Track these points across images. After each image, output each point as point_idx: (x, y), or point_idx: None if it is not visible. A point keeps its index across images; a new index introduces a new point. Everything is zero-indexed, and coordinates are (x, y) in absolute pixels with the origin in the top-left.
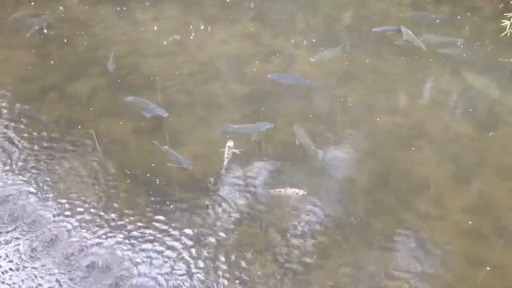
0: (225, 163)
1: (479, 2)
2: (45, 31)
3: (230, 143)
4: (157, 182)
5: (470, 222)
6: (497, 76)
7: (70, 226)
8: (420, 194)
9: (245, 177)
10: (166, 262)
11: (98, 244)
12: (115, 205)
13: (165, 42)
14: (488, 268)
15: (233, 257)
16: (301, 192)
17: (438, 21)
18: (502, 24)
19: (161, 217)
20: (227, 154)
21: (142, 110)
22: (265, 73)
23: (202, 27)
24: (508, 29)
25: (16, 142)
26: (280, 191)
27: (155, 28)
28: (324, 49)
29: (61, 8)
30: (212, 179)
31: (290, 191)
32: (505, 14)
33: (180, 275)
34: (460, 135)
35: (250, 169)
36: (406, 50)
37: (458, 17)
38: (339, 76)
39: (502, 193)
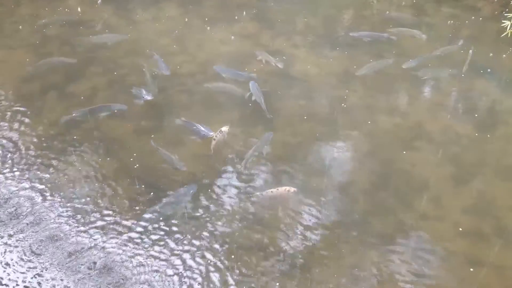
0: (213, 143)
1: (479, 3)
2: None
3: (224, 128)
4: (156, 182)
5: (460, 229)
6: (497, 76)
7: (70, 225)
8: (420, 195)
9: (242, 179)
10: (165, 263)
11: (98, 243)
12: (115, 205)
13: (165, 42)
14: (488, 269)
15: (230, 258)
16: (292, 189)
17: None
18: (502, 25)
19: (159, 218)
20: (216, 135)
21: (191, 131)
22: (266, 74)
23: (201, 27)
24: (509, 29)
25: (16, 142)
26: (272, 192)
27: (155, 28)
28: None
29: (61, 7)
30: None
31: (282, 189)
32: (505, 14)
33: (179, 276)
34: (460, 135)
35: (247, 169)
36: (406, 50)
37: (445, 16)
38: (339, 77)
39: (502, 193)
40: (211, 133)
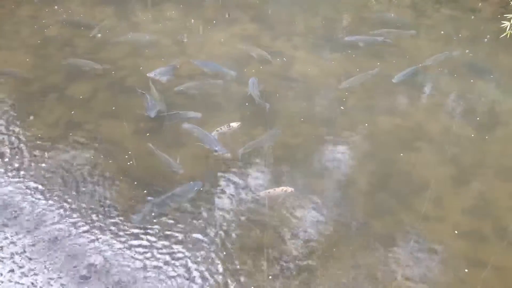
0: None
1: (479, 4)
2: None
3: (232, 123)
4: (157, 184)
5: (460, 230)
6: (496, 77)
7: (70, 226)
8: (420, 195)
9: (240, 179)
10: (164, 265)
11: (97, 244)
12: (114, 206)
13: (165, 43)
14: (488, 269)
15: (230, 260)
16: (289, 189)
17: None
18: (502, 25)
19: (159, 220)
20: (221, 128)
21: (200, 141)
22: (265, 74)
23: (201, 28)
24: (508, 30)
25: (16, 143)
26: (269, 192)
27: (155, 29)
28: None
29: (61, 9)
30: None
31: (279, 189)
32: (505, 15)
33: (179, 277)
34: (460, 136)
35: (247, 170)
36: (405, 50)
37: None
38: (339, 78)
39: (502, 194)
40: (225, 151)
